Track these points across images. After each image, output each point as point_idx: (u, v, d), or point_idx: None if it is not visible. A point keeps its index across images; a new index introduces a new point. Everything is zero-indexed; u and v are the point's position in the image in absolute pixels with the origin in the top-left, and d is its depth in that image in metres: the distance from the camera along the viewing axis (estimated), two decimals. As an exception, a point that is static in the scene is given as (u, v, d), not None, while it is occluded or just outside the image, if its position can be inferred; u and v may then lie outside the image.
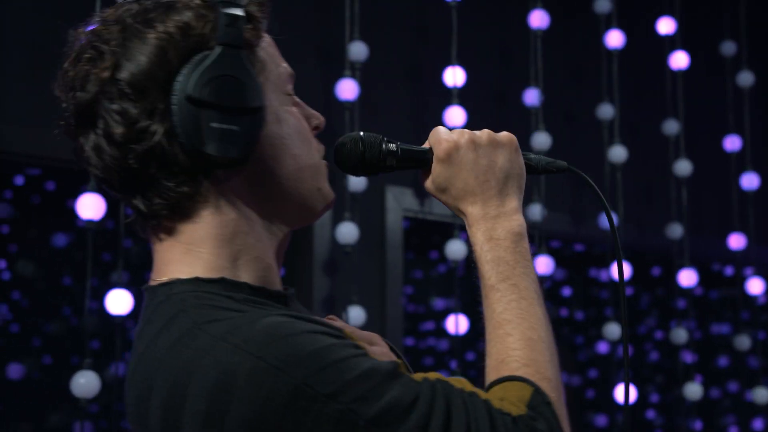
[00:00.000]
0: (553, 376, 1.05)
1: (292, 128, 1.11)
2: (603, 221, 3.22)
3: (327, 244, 2.87)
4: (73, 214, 2.35)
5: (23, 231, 4.25)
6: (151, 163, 1.02)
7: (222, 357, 0.93)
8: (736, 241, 3.59)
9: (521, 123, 3.15)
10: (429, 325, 5.01)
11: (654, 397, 5.15)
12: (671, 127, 3.47)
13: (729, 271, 4.54)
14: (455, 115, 2.88)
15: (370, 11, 2.95)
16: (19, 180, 3.98)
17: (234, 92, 1.03)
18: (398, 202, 3.04)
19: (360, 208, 2.82)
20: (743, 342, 3.50)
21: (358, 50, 2.80)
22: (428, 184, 1.18)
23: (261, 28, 1.10)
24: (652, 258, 4.68)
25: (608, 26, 3.34)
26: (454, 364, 2.83)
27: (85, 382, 2.23)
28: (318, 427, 0.91)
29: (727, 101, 3.68)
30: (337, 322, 1.19)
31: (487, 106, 3.32)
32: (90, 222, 2.31)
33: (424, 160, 1.18)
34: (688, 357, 3.42)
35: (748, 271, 3.62)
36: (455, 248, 2.89)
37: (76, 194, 2.32)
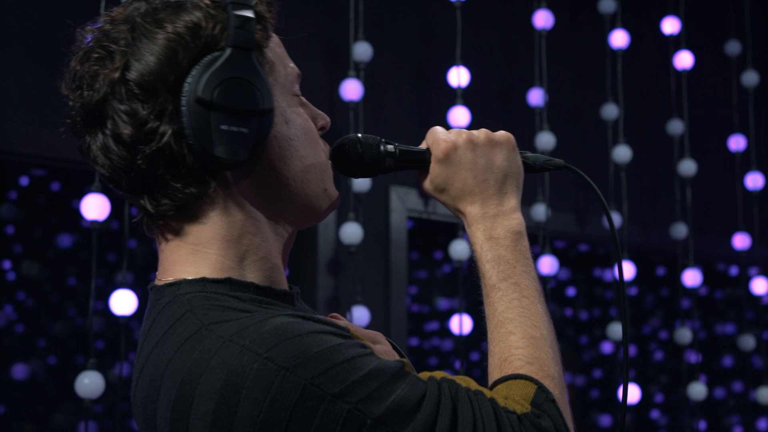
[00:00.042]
0: (556, 373, 1.06)
1: (300, 129, 1.11)
2: (607, 221, 3.22)
3: (331, 244, 2.88)
4: (78, 214, 2.35)
5: (28, 231, 4.25)
6: (159, 164, 1.02)
7: (230, 358, 0.93)
8: (741, 241, 3.58)
9: (526, 123, 3.15)
10: (433, 325, 5.01)
11: (658, 397, 5.15)
12: (676, 126, 3.47)
13: (734, 270, 4.54)
14: (460, 115, 2.88)
15: (375, 12, 2.95)
16: (24, 181, 3.98)
17: (244, 95, 1.02)
18: (402, 202, 3.04)
19: (364, 209, 2.83)
20: (748, 342, 3.50)
21: (362, 50, 2.80)
22: (427, 184, 1.19)
23: (270, 29, 1.10)
24: (656, 258, 4.68)
25: (613, 26, 3.34)
26: (458, 364, 2.83)
27: (90, 383, 2.23)
28: (326, 426, 0.91)
29: (731, 101, 3.68)
30: (341, 321, 1.19)
31: (491, 106, 3.32)
32: (94, 222, 2.31)
33: (423, 160, 1.18)
34: (693, 357, 3.41)
35: (753, 270, 3.61)
36: (460, 248, 2.89)
37: (81, 195, 2.32)
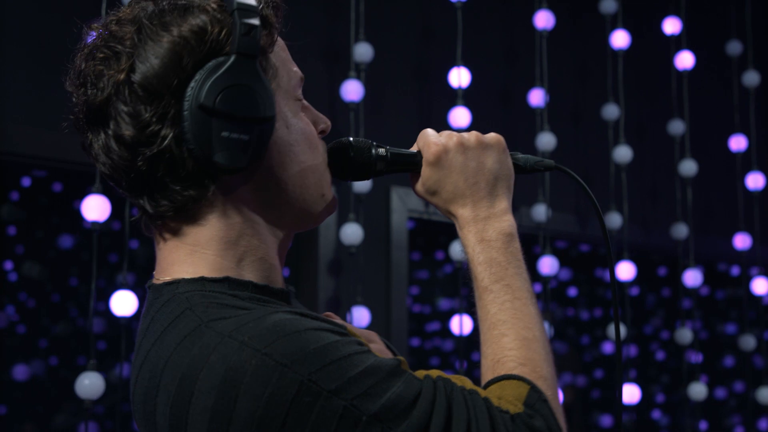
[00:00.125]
0: (549, 374, 1.07)
1: (300, 134, 1.12)
2: (609, 221, 3.22)
3: (332, 244, 2.88)
4: (79, 215, 2.35)
5: (30, 232, 4.26)
6: (159, 166, 1.03)
7: (229, 353, 0.94)
8: (742, 241, 3.59)
9: (527, 123, 3.15)
10: (435, 326, 5.02)
11: (660, 397, 5.15)
12: (677, 127, 3.47)
13: (735, 271, 4.54)
14: (460, 115, 2.88)
15: (376, 12, 2.95)
16: (26, 181, 3.99)
17: (246, 102, 1.03)
18: (403, 202, 3.04)
19: (365, 209, 2.83)
20: (748, 342, 3.50)
21: (363, 51, 2.80)
22: (418, 187, 1.19)
23: (275, 33, 1.10)
24: (657, 258, 4.68)
25: (614, 26, 3.34)
26: (459, 365, 2.83)
27: (90, 384, 2.24)
28: (322, 422, 0.92)
29: (732, 101, 3.68)
30: (336, 320, 1.20)
31: (492, 107, 3.32)
32: (95, 223, 2.31)
33: (414, 163, 1.19)
34: (694, 357, 3.41)
35: (754, 270, 3.62)
36: (460, 249, 2.88)
37: (82, 195, 2.32)
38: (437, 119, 3.05)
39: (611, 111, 3.29)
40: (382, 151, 1.18)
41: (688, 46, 3.51)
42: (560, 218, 3.30)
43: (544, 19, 3.09)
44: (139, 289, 2.39)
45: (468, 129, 2.88)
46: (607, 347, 4.87)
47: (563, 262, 4.05)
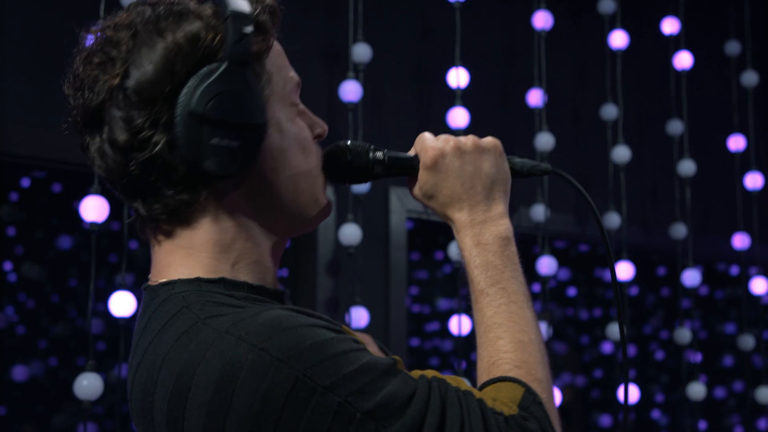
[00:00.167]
0: (544, 377, 1.08)
1: (293, 139, 1.12)
2: (608, 221, 3.22)
3: (331, 245, 2.88)
4: (79, 216, 2.36)
5: (29, 233, 4.26)
6: (151, 171, 1.04)
7: (226, 349, 0.95)
8: (741, 241, 3.59)
9: (525, 123, 3.15)
10: (434, 326, 5.02)
11: (659, 397, 5.15)
12: (675, 127, 3.47)
13: (734, 270, 4.54)
14: (459, 116, 2.88)
15: (374, 13, 2.95)
16: (26, 182, 3.99)
17: (236, 109, 1.03)
18: (402, 203, 3.04)
19: (364, 210, 2.83)
20: (747, 341, 3.50)
21: (361, 52, 2.80)
22: (416, 190, 1.21)
23: (272, 38, 1.11)
24: (656, 258, 4.68)
25: (612, 26, 3.35)
26: (458, 365, 2.83)
27: (88, 384, 2.24)
28: (316, 417, 0.93)
29: (731, 101, 3.68)
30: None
31: (491, 107, 3.33)
32: (93, 224, 2.31)
33: (411, 167, 1.20)
34: (693, 356, 3.42)
35: (753, 270, 3.62)
36: (458, 252, 2.88)
37: (81, 196, 2.32)
38: (436, 119, 3.05)
39: (610, 111, 3.29)
40: (379, 154, 1.19)
41: (686, 46, 3.52)
42: (559, 218, 3.30)
43: (542, 20, 3.09)
44: (138, 289, 2.39)
45: (467, 129, 2.88)
46: (607, 347, 4.87)
47: (562, 262, 4.05)
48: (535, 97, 3.09)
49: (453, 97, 2.92)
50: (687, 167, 3.42)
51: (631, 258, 3.27)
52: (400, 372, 0.99)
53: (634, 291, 4.98)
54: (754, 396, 3.50)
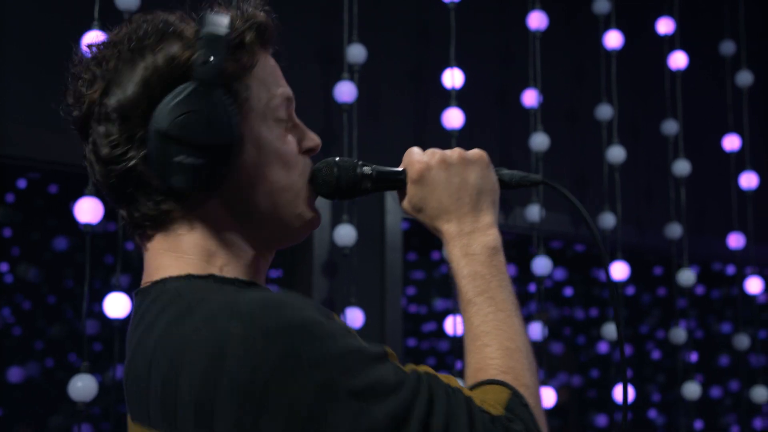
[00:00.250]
0: (531, 383, 1.10)
1: (273, 155, 1.14)
2: (603, 221, 3.23)
3: (326, 246, 2.88)
4: (75, 217, 2.36)
5: (25, 234, 4.26)
6: (129, 183, 1.09)
7: (218, 326, 0.97)
8: (736, 241, 3.59)
9: (521, 124, 3.16)
10: (431, 326, 5.02)
11: (655, 397, 5.16)
12: (670, 127, 3.48)
13: (729, 270, 4.55)
14: (454, 116, 2.88)
15: (369, 13, 2.95)
16: (22, 183, 3.99)
17: (201, 128, 1.05)
18: (397, 203, 3.04)
19: (359, 211, 2.83)
20: (743, 341, 3.51)
21: (356, 52, 2.80)
22: (405, 204, 1.24)
23: (255, 54, 1.13)
24: (652, 258, 4.69)
25: (607, 27, 3.35)
26: (456, 365, 2.83)
27: (83, 386, 2.24)
28: (302, 393, 0.94)
29: (726, 101, 3.69)
30: None
31: (486, 108, 3.33)
32: (87, 225, 2.31)
33: (399, 181, 1.23)
34: (689, 356, 3.42)
35: (748, 270, 3.63)
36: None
37: (78, 197, 2.33)
38: (431, 120, 3.05)
39: (605, 111, 3.30)
40: (367, 169, 1.22)
41: (681, 46, 3.52)
42: (554, 218, 3.31)
43: (537, 20, 3.10)
44: (133, 290, 2.39)
45: (462, 130, 2.89)
46: (603, 347, 4.88)
47: (558, 262, 4.06)
48: (530, 98, 3.10)
49: (448, 98, 2.92)
50: (682, 167, 3.43)
51: (627, 258, 3.28)
52: (390, 362, 1.01)
53: (629, 291, 4.98)
54: (749, 395, 3.51)
